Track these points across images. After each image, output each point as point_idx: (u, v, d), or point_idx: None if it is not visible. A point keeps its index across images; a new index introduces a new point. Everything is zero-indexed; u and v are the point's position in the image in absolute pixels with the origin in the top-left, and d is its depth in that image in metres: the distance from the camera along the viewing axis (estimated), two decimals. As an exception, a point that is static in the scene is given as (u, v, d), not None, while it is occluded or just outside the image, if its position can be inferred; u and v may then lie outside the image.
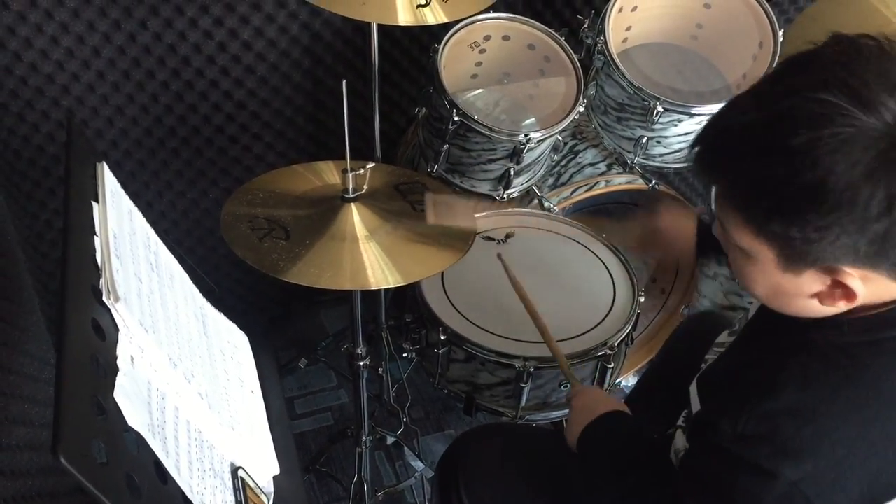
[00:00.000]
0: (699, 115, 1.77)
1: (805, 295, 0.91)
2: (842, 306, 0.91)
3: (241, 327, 1.33)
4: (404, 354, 1.72)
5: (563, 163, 1.97)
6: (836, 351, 0.92)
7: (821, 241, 0.84)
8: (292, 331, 2.35)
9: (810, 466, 0.89)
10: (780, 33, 1.79)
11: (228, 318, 1.31)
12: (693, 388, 1.10)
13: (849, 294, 0.89)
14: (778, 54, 1.79)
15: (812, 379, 0.91)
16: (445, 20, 1.50)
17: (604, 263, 1.76)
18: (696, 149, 0.92)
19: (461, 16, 1.55)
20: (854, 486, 0.90)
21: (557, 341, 1.55)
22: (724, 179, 0.90)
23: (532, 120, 1.84)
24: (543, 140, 1.72)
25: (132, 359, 0.91)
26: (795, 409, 0.90)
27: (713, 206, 0.96)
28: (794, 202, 0.83)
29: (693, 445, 1.05)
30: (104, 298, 0.92)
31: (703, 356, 1.24)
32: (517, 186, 1.84)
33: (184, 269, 1.24)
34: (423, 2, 1.45)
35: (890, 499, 0.92)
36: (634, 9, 1.88)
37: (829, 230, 0.82)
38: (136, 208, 1.17)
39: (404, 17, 1.45)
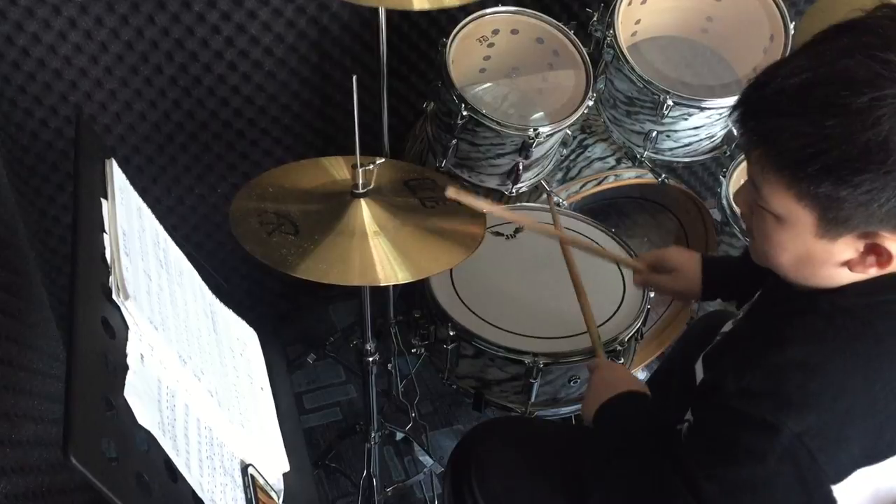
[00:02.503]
0: (709, 108, 1.76)
1: (835, 262, 0.92)
2: (873, 272, 0.92)
3: (250, 323, 1.32)
4: (413, 350, 1.72)
5: (572, 157, 1.96)
6: (840, 312, 0.94)
7: (870, 203, 0.85)
8: (301, 326, 2.35)
9: (813, 419, 0.90)
10: (792, 26, 1.78)
11: (237, 313, 1.30)
12: (698, 365, 1.10)
13: (882, 260, 0.90)
14: (789, 47, 1.77)
15: (816, 336, 0.93)
16: (457, 3, 1.48)
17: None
18: (739, 111, 0.92)
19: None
20: (856, 440, 0.91)
21: (567, 337, 1.55)
22: (771, 142, 0.89)
23: (541, 114, 1.83)
24: (552, 134, 1.71)
25: (142, 357, 0.91)
26: (799, 364, 0.91)
27: (749, 172, 0.95)
28: (850, 162, 0.83)
29: (697, 412, 1.05)
30: (114, 296, 0.92)
31: None
32: (526, 181, 1.83)
33: (192, 265, 1.24)
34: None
35: (893, 454, 0.93)
36: (644, 2, 1.86)
37: (882, 191, 0.83)
38: (144, 205, 1.17)
39: (420, 3, 1.43)
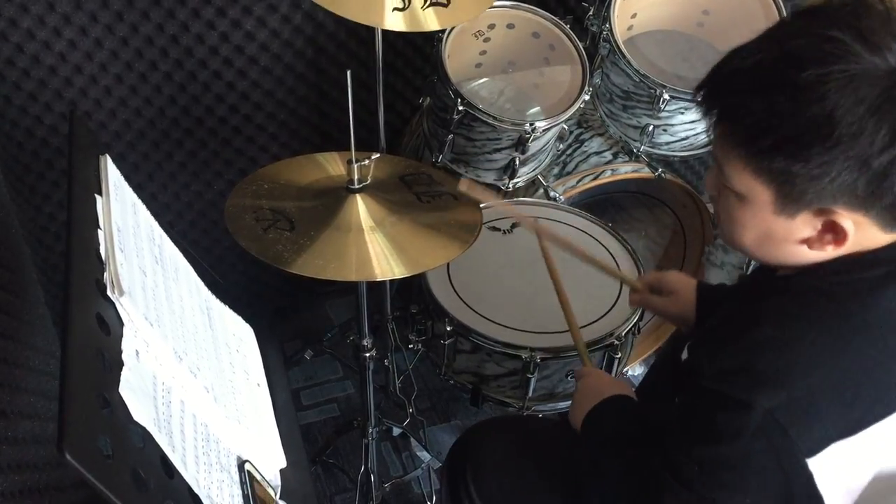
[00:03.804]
0: (706, 102, 1.76)
1: (795, 240, 0.95)
2: (830, 251, 0.94)
3: (247, 319, 1.32)
4: (410, 345, 1.72)
5: (569, 152, 1.96)
6: (812, 291, 0.96)
7: (822, 177, 0.87)
8: (298, 322, 2.35)
9: (784, 395, 0.91)
10: (788, 19, 1.78)
11: (233, 310, 1.30)
12: (684, 354, 1.10)
13: (839, 238, 0.92)
14: (785, 41, 1.77)
15: (787, 316, 0.95)
16: (437, 27, 1.45)
17: (610, 252, 1.75)
18: (702, 92, 0.95)
19: (456, 22, 1.51)
20: (829, 415, 0.93)
21: (564, 331, 1.55)
22: (728, 119, 0.93)
23: (537, 109, 1.82)
24: (549, 129, 1.71)
25: (137, 353, 0.90)
26: (770, 342, 0.93)
27: (713, 152, 0.98)
28: (799, 137, 0.86)
29: (679, 398, 1.07)
30: (108, 292, 0.92)
31: None
32: (522, 176, 1.83)
33: (188, 261, 1.23)
34: (401, 5, 1.40)
35: (865, 427, 0.94)
36: (640, -5, 1.86)
37: (831, 165, 0.86)
38: (139, 201, 1.17)
39: (393, 23, 1.40)
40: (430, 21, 1.43)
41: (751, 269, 1.89)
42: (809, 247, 0.94)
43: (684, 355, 1.09)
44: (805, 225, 0.93)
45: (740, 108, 0.90)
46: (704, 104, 0.95)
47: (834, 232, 0.92)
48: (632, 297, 1.51)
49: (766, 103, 0.87)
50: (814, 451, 0.93)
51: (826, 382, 0.92)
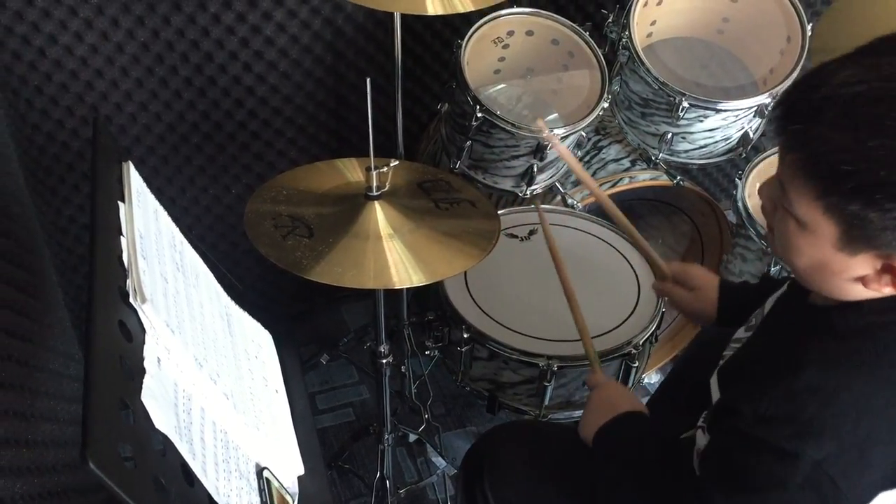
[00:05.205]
0: (725, 110, 1.75)
1: (850, 276, 0.90)
2: (887, 292, 0.89)
3: (264, 324, 1.33)
4: (426, 352, 1.72)
5: (587, 159, 1.95)
6: (856, 333, 0.92)
7: None
8: (314, 326, 2.35)
9: (833, 446, 0.88)
10: (809, 27, 1.77)
11: (251, 314, 1.31)
12: (713, 381, 1.08)
13: None
14: (806, 49, 1.76)
15: (832, 360, 0.91)
16: (471, 7, 1.46)
17: (628, 261, 1.74)
18: (781, 109, 0.89)
19: (489, 3, 1.51)
20: (877, 465, 0.90)
21: (581, 340, 1.54)
22: (809, 150, 0.86)
23: (555, 116, 1.82)
24: (567, 136, 1.70)
25: (159, 360, 0.91)
26: (816, 389, 0.89)
27: (779, 172, 0.91)
28: (886, 187, 0.81)
29: (714, 435, 1.03)
30: (131, 299, 0.92)
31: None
32: (540, 183, 1.82)
33: (207, 266, 1.24)
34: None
35: None
36: (659, 3, 1.86)
37: None
38: (161, 207, 1.17)
39: (433, 7, 1.42)
40: (465, 3, 1.45)
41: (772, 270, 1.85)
42: (865, 285, 0.90)
43: (714, 390, 1.06)
44: (864, 264, 0.88)
45: (826, 143, 0.83)
46: (782, 125, 0.88)
47: (894, 274, 0.87)
48: (655, 283, 1.48)
49: (857, 145, 0.81)
50: (862, 501, 0.91)
51: (875, 433, 0.88)
